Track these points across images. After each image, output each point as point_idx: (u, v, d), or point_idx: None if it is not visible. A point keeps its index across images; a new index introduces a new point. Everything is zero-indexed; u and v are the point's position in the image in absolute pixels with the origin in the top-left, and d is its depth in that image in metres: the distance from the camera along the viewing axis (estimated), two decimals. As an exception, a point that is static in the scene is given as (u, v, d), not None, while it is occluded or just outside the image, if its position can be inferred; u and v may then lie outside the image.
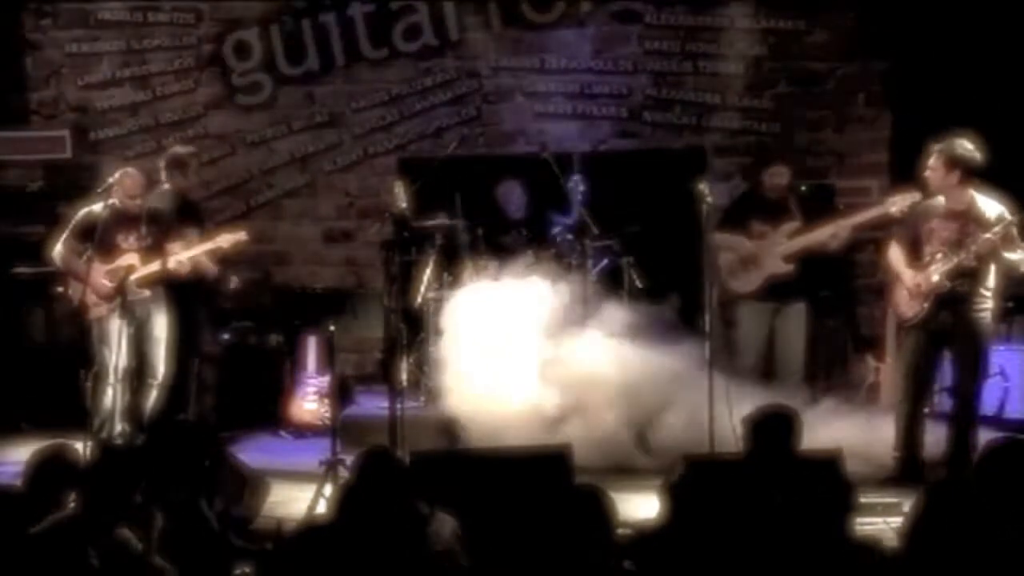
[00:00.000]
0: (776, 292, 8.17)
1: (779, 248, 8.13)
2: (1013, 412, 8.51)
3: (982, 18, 9.27)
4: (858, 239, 9.25)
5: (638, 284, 9.08)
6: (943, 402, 8.09)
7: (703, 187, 8.09)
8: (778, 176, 8.31)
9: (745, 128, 10.05)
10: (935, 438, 7.52)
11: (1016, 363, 8.61)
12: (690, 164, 9.56)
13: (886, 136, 9.86)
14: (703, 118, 10.09)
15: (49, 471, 5.30)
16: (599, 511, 4.42)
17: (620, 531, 4.58)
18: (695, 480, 5.33)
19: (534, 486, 5.96)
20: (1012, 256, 7.16)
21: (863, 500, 5.55)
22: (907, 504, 5.95)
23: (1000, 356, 8.56)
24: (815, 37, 9.94)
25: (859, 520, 5.33)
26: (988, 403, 8.31)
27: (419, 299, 8.57)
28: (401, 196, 7.59)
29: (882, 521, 5.90)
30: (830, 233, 8.02)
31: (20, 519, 4.68)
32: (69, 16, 10.38)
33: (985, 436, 6.83)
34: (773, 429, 5.30)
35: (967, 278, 7.20)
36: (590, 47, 10.14)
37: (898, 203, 7.67)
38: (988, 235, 7.09)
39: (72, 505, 4.94)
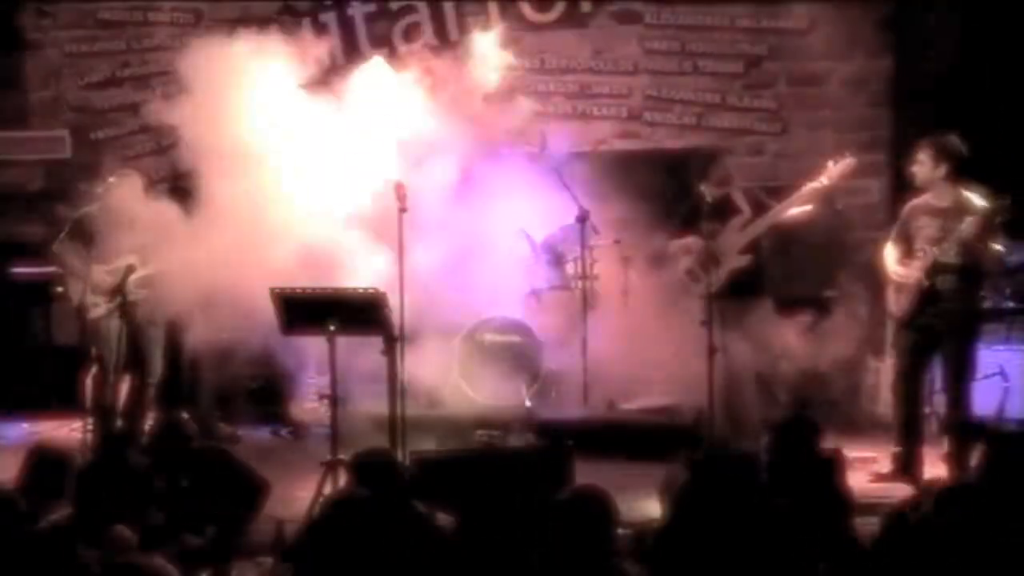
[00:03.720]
0: (740, 288, 8.13)
1: (733, 242, 8.12)
2: (1013, 412, 8.50)
3: (982, 18, 9.27)
4: (860, 238, 9.34)
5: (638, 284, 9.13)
6: (941, 402, 8.12)
7: (703, 187, 8.12)
8: (726, 170, 8.35)
9: (745, 128, 10.04)
10: (933, 436, 7.57)
11: (1016, 363, 8.60)
12: (690, 164, 9.55)
13: (886, 136, 9.86)
14: (703, 118, 10.08)
15: (46, 471, 5.31)
16: (599, 511, 4.42)
17: (620, 531, 4.59)
18: (695, 480, 5.33)
19: (534, 486, 5.97)
20: (992, 247, 7.17)
21: (863, 500, 5.56)
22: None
23: (1000, 356, 8.57)
24: (815, 37, 9.94)
25: (859, 520, 5.34)
26: (988, 403, 8.33)
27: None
28: None
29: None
30: (778, 213, 7.99)
31: (17, 520, 4.67)
32: (69, 16, 10.38)
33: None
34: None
35: (949, 274, 7.22)
36: (590, 47, 10.13)
37: (830, 172, 7.81)
38: (962, 227, 7.11)
39: (69, 506, 4.94)
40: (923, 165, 7.30)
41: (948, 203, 7.25)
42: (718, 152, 8.67)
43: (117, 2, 10.37)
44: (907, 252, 7.38)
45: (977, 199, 7.21)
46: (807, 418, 5.63)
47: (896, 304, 7.39)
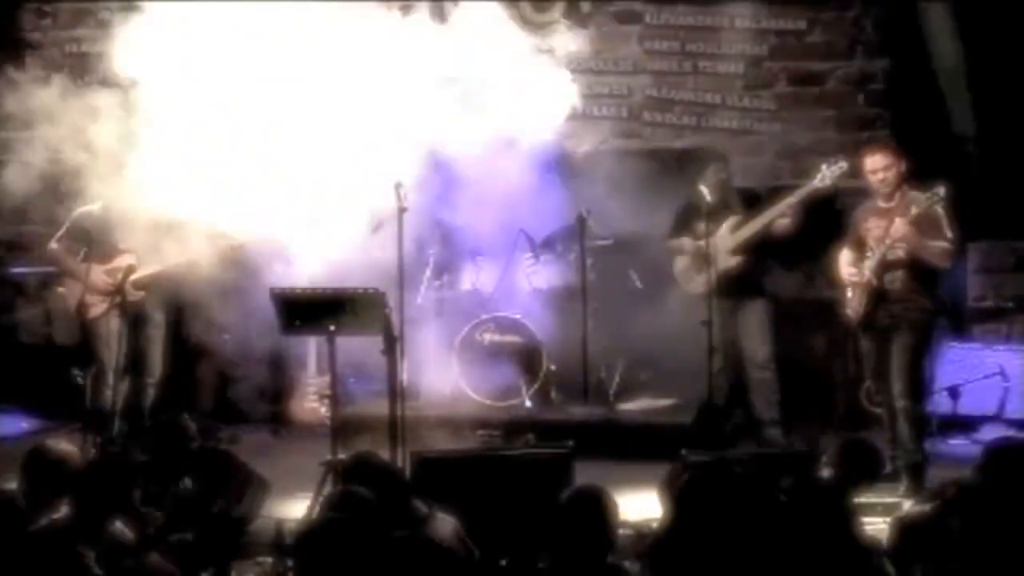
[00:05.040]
0: (732, 289, 8.16)
1: (725, 243, 8.15)
2: (1013, 412, 8.51)
3: (981, 18, 9.26)
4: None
5: (638, 284, 9.13)
6: (941, 402, 8.15)
7: (703, 188, 8.12)
8: (722, 172, 8.38)
9: (745, 128, 10.04)
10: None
11: (1016, 363, 8.61)
12: (690, 164, 9.54)
13: (886, 136, 9.85)
14: (703, 118, 10.07)
15: (45, 471, 5.30)
16: (600, 511, 4.42)
17: (620, 531, 4.59)
18: (695, 480, 5.33)
19: (535, 487, 5.97)
20: (935, 244, 7.18)
21: (863, 500, 5.56)
22: (906, 504, 5.99)
23: (1000, 356, 8.58)
24: (815, 37, 9.92)
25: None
26: (988, 403, 8.34)
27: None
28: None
29: (882, 521, 5.90)
30: (770, 218, 8.05)
31: (16, 520, 4.67)
32: (69, 16, 10.36)
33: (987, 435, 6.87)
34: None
35: (898, 270, 7.22)
36: (590, 47, 10.12)
37: (826, 176, 7.85)
38: (900, 220, 7.12)
39: (68, 505, 4.93)
40: (894, 168, 7.34)
41: (895, 202, 7.29)
42: (718, 152, 8.67)
43: (117, 2, 10.35)
44: (860, 256, 7.41)
45: (917, 194, 7.24)
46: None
47: (851, 306, 7.42)
